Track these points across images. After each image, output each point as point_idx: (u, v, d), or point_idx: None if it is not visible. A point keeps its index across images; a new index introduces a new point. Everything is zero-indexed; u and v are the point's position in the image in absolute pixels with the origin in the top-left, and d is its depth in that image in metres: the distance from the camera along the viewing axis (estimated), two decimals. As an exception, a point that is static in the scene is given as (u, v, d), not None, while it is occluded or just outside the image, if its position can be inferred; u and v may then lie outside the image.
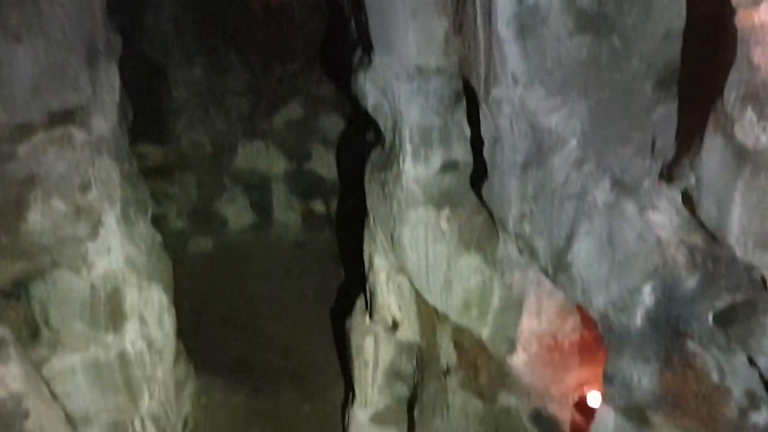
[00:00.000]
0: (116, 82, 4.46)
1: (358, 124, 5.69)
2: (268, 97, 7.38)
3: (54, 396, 4.14)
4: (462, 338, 4.17)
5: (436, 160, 4.00)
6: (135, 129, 5.05)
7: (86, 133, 4.14)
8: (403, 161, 4.00)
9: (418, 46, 3.76)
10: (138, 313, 4.58)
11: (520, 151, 3.23)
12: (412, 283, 4.31)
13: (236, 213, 7.72)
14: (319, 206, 7.69)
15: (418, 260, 4.12)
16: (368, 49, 3.98)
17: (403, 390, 4.86)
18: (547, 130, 3.10)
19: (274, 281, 7.00)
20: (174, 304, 5.01)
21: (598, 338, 3.59)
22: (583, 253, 3.19)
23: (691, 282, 2.85)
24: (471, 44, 3.38)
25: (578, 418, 3.99)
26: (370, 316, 4.75)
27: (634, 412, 3.20)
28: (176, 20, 7.10)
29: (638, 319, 3.08)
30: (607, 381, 3.26)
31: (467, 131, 3.92)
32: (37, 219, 4.05)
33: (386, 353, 4.76)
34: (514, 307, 3.87)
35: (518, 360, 3.98)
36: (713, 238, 2.69)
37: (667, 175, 2.87)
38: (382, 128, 4.19)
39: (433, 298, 4.17)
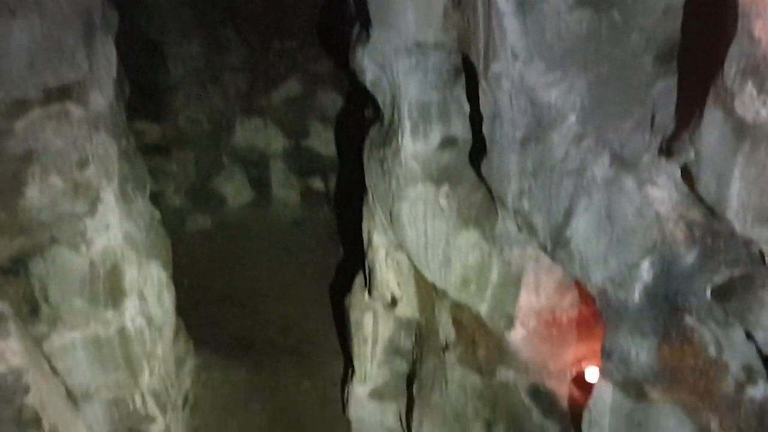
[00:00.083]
0: (113, 58, 4.44)
1: (356, 101, 5.67)
2: (266, 74, 7.34)
3: (54, 371, 4.15)
4: (461, 314, 4.18)
5: (435, 136, 3.99)
6: (132, 106, 5.03)
7: (83, 109, 4.12)
8: (402, 137, 3.99)
9: (417, 21, 3.73)
10: (137, 289, 4.58)
11: (519, 126, 3.22)
12: (410, 260, 4.31)
13: (235, 190, 7.71)
14: (317, 183, 7.68)
15: (416, 237, 4.12)
16: (366, 24, 3.95)
17: (402, 366, 4.88)
18: (547, 105, 3.09)
19: (273, 259, 7.01)
20: (173, 282, 5.03)
21: (596, 314, 3.60)
22: (582, 228, 3.19)
23: (689, 257, 2.86)
24: (470, 19, 3.36)
25: (576, 393, 4.02)
26: (369, 292, 4.76)
27: (631, 387, 3.22)
28: (173, -5, 7.04)
29: (636, 295, 3.09)
30: (605, 356, 3.28)
31: (466, 107, 3.91)
32: (35, 195, 4.04)
33: (385, 329, 4.78)
34: (512, 283, 3.88)
35: (516, 335, 4.00)
36: (712, 212, 2.69)
37: (667, 149, 2.86)
38: (380, 104, 4.17)
39: (432, 275, 4.17)
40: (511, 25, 3.02)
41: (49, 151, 4.03)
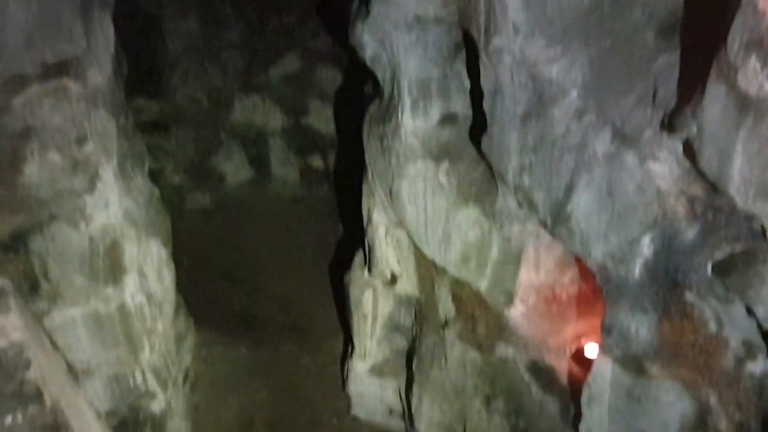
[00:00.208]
0: (111, 34, 4.40)
1: (356, 78, 5.63)
2: (264, 51, 7.29)
3: (55, 347, 4.16)
4: (460, 291, 4.19)
5: (435, 112, 3.97)
6: (130, 83, 4.99)
7: (81, 86, 4.09)
8: (402, 114, 3.97)
9: (417, -5, 3.71)
10: (137, 266, 4.58)
11: (520, 102, 3.20)
12: (410, 237, 4.31)
13: (234, 168, 7.68)
14: (317, 161, 7.66)
15: (416, 214, 4.11)
16: (366, -2, 3.92)
17: (401, 342, 4.90)
18: (548, 80, 3.07)
19: (272, 236, 7.01)
20: (173, 259, 5.03)
21: (596, 290, 3.61)
22: (583, 204, 3.19)
23: (690, 233, 2.85)
24: (471, -7, 3.34)
25: (576, 369, 4.03)
26: (369, 270, 4.77)
27: (631, 363, 3.23)
28: (170, -29, 6.98)
29: (637, 270, 3.09)
30: (605, 332, 3.29)
31: (467, 83, 3.89)
32: (33, 172, 4.02)
33: (385, 306, 4.79)
34: (512, 259, 3.88)
35: (516, 312, 4.01)
36: (714, 188, 2.68)
37: (669, 124, 2.85)
38: (380, 80, 4.14)
39: (432, 252, 4.17)
40: (512, -1, 3.00)
41: (47, 128, 4.01)
